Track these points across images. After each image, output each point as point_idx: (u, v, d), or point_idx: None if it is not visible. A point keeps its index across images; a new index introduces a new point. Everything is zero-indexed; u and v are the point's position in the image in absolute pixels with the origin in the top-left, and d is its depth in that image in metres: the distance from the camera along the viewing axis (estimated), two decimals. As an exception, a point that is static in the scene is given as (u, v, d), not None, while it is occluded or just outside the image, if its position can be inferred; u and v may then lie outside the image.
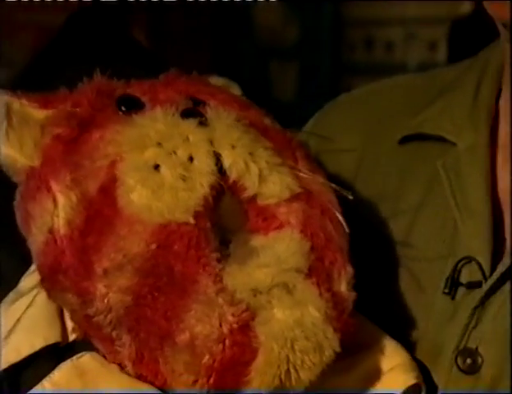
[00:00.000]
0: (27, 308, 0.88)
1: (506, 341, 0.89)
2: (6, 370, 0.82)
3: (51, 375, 0.82)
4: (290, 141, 0.89)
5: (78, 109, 0.85)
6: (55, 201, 0.82)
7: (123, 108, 0.85)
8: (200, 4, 2.98)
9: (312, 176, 0.87)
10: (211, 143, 0.80)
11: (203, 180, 0.78)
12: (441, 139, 0.98)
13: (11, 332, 0.86)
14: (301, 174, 0.86)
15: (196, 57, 2.56)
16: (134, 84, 0.90)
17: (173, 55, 2.67)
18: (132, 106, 0.85)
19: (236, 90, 0.96)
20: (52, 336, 0.83)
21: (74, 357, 0.81)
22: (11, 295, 0.91)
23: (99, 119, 0.85)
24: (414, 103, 1.05)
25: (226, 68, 2.84)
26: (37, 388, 0.82)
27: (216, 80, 0.96)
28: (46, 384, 0.82)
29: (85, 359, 0.81)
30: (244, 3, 2.93)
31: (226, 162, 0.80)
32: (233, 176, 0.79)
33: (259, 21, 2.88)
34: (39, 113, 0.86)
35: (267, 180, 0.82)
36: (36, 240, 0.82)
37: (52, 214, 0.82)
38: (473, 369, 0.88)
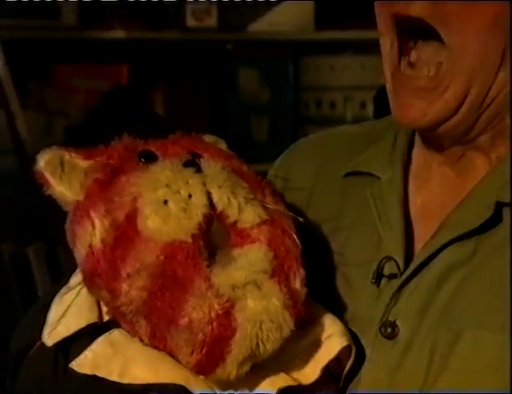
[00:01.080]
0: (74, 298, 0.95)
1: (416, 317, 0.99)
2: (59, 343, 0.92)
3: (91, 346, 0.91)
4: (260, 182, 0.97)
5: (111, 161, 0.94)
6: (93, 225, 0.91)
7: (142, 160, 0.93)
8: (200, 78, 3.01)
9: (275, 207, 0.95)
10: (204, 184, 0.89)
11: (198, 212, 0.87)
12: (370, 175, 1.07)
13: (62, 315, 0.94)
14: (268, 205, 0.93)
15: (198, 117, 2.73)
16: (150, 143, 0.97)
17: (182, 118, 2.79)
18: (149, 158, 0.93)
19: (223, 145, 1.04)
20: (92, 318, 0.92)
21: (107, 333, 0.91)
22: (63, 289, 0.98)
23: (125, 167, 0.92)
24: (353, 148, 1.12)
25: (220, 119, 2.88)
26: (80, 357, 0.92)
27: (208, 138, 1.03)
28: (87, 353, 0.91)
29: (115, 334, 0.90)
30: (231, 73, 2.99)
31: (215, 198, 0.89)
32: (219, 207, 0.89)
33: (242, 86, 2.91)
34: (84, 163, 0.94)
35: (244, 210, 0.91)
36: (80, 252, 0.91)
37: (91, 234, 0.90)
38: (392, 336, 0.96)
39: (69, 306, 0.94)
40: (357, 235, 1.05)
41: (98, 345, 0.90)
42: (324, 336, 0.93)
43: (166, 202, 0.88)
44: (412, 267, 0.97)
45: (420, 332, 0.98)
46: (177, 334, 0.86)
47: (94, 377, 0.88)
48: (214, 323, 0.85)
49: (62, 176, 0.93)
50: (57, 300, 0.95)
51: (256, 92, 2.98)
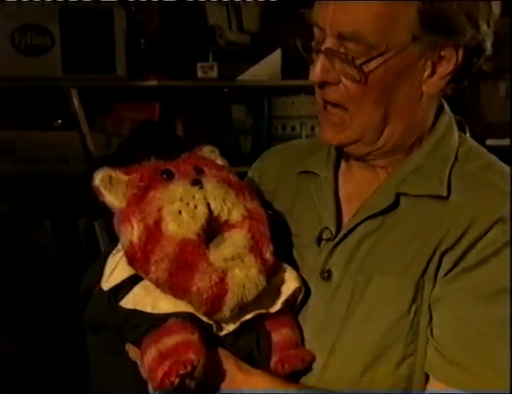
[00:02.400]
0: (121, 257, 1.05)
1: (343, 266, 1.11)
2: (111, 289, 1.05)
3: (132, 290, 1.03)
4: (242, 186, 1.09)
5: (143, 181, 1.03)
6: (132, 227, 1.01)
7: (164, 176, 1.05)
8: (206, 112, 3.20)
9: (253, 205, 1.07)
10: (205, 198, 1.02)
11: (201, 217, 1.00)
12: (314, 173, 1.20)
13: (113, 269, 1.06)
14: (248, 205, 1.06)
15: (204, 137, 2.91)
16: (168, 162, 1.08)
17: (194, 138, 2.94)
18: (168, 175, 1.05)
19: (217, 152, 1.15)
20: (132, 271, 1.03)
21: (141, 281, 1.02)
22: (114, 251, 1.10)
23: (152, 185, 1.03)
24: (303, 155, 1.25)
25: (219, 138, 3.07)
26: (125, 297, 1.03)
27: (208, 147, 1.16)
28: (130, 295, 1.03)
29: (147, 282, 1.01)
30: (227, 108, 3.16)
31: (212, 206, 1.02)
32: (215, 212, 1.02)
33: (234, 116, 3.10)
34: (124, 177, 1.04)
35: (232, 212, 1.04)
36: (123, 245, 1.03)
37: (130, 234, 1.01)
38: (328, 279, 1.12)
39: (117, 263, 1.06)
40: (306, 214, 1.19)
41: (136, 290, 1.04)
42: (284, 280, 1.08)
43: (180, 212, 1.00)
44: (341, 234, 1.12)
45: (346, 276, 1.12)
46: (190, 296, 1.00)
47: (135, 310, 1.02)
48: (214, 288, 0.98)
49: (111, 188, 1.04)
50: (110, 257, 1.09)
51: (243, 120, 3.15)
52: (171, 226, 0.98)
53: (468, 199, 1.08)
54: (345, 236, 1.12)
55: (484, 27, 1.04)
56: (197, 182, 1.02)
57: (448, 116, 1.15)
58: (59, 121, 3.01)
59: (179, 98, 3.17)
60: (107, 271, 1.06)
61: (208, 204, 1.01)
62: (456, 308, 1.06)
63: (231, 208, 1.03)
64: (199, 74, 2.98)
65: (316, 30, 1.06)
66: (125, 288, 1.03)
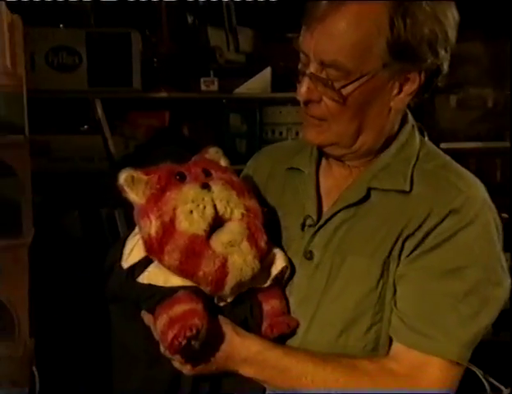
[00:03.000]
0: (138, 239, 1.05)
1: (323, 248, 1.11)
2: (129, 267, 1.05)
3: (147, 268, 1.03)
4: (242, 186, 1.07)
5: (160, 182, 1.02)
6: (151, 223, 1.00)
7: (177, 178, 1.03)
8: (208, 119, 3.21)
9: (251, 203, 1.06)
10: (212, 200, 1.00)
11: (209, 217, 1.00)
12: (299, 170, 1.19)
13: (131, 249, 1.06)
14: (246, 203, 1.04)
15: (207, 141, 2.64)
16: (181, 166, 1.06)
17: (198, 141, 2.90)
18: (181, 177, 1.03)
19: (221, 152, 1.13)
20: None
21: (155, 261, 1.02)
22: (132, 234, 1.09)
23: (168, 186, 1.01)
24: (290, 154, 1.24)
25: (219, 142, 2.97)
26: (141, 275, 1.03)
27: (213, 148, 1.13)
28: (145, 272, 1.03)
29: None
30: (225, 117, 3.15)
31: (218, 206, 1.01)
32: (220, 212, 1.01)
33: (231, 123, 3.14)
34: (145, 178, 1.03)
35: (234, 212, 1.02)
36: (143, 237, 1.02)
37: (149, 228, 1.00)
38: (310, 258, 1.12)
39: (134, 245, 1.06)
40: (292, 204, 1.18)
41: (151, 268, 1.03)
42: (274, 261, 1.09)
43: (191, 212, 0.99)
44: (321, 221, 1.12)
45: (325, 256, 1.11)
46: (197, 279, 1.00)
47: (149, 284, 1.03)
48: (217, 272, 0.99)
49: (133, 187, 1.02)
50: (128, 240, 1.09)
51: (239, 126, 3.17)
52: (183, 224, 0.99)
53: (427, 193, 1.09)
54: (324, 223, 1.13)
55: (442, 53, 1.05)
56: (206, 186, 1.01)
57: (411, 124, 1.15)
58: (85, 126, 3.03)
59: (185, 108, 3.18)
60: (126, 251, 1.06)
61: (215, 205, 1.01)
62: (416, 283, 1.06)
63: (233, 208, 1.02)
64: (202, 87, 3.04)
65: (302, 55, 1.07)
66: (141, 266, 1.03)
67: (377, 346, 1.09)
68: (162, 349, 1.03)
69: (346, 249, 1.10)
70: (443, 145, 3.16)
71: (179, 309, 0.98)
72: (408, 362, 1.05)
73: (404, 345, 1.05)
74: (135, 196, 1.02)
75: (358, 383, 1.04)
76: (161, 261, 1.00)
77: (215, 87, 3.05)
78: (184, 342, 0.96)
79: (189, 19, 3.13)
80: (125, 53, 2.92)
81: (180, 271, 0.99)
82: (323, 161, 1.18)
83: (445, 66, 1.08)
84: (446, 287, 1.05)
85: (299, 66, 1.08)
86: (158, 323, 0.99)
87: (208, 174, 1.04)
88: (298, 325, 1.10)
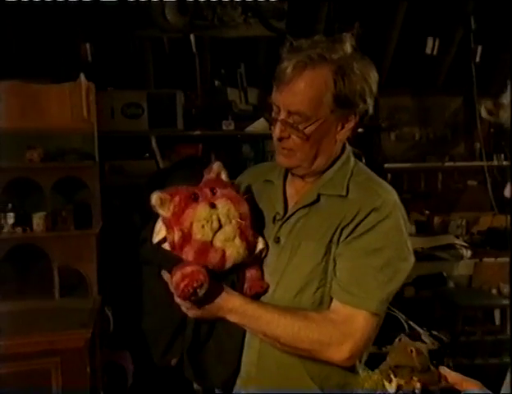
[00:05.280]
0: (162, 224, 1.00)
1: (287, 235, 1.07)
2: (157, 242, 1.01)
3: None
4: (237, 197, 1.02)
5: (180, 205, 0.97)
6: (174, 232, 0.97)
7: (193, 198, 0.99)
8: (229, 150, 3.14)
9: (243, 210, 1.01)
10: (217, 215, 0.97)
11: (215, 229, 0.97)
12: (271, 181, 1.15)
13: (158, 231, 1.02)
14: (240, 210, 1.01)
15: (225, 162, 2.08)
16: (195, 187, 1.01)
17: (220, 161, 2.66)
18: (195, 197, 0.99)
19: (222, 166, 1.06)
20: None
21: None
22: (159, 219, 1.01)
23: (187, 205, 0.97)
24: (267, 170, 1.18)
25: (234, 163, 2.93)
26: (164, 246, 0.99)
27: (217, 163, 1.07)
28: (167, 245, 0.98)
29: None
30: (239, 147, 3.13)
31: (222, 221, 0.98)
32: (222, 223, 0.98)
33: (244, 152, 3.16)
34: (169, 198, 0.98)
35: (232, 221, 0.99)
36: (168, 239, 1.00)
37: (173, 236, 0.98)
38: (278, 242, 1.08)
39: (160, 227, 1.01)
40: (267, 205, 1.13)
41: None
42: (256, 244, 1.06)
43: (203, 226, 0.96)
44: (286, 217, 1.10)
45: (287, 241, 1.08)
46: (205, 265, 0.98)
47: (170, 252, 0.99)
48: (218, 260, 0.98)
49: (161, 206, 0.98)
50: (157, 222, 1.04)
51: (248, 153, 3.20)
52: (197, 235, 0.97)
53: (357, 197, 1.07)
54: (288, 218, 1.10)
55: (369, 101, 1.04)
56: (213, 205, 0.98)
57: (348, 149, 1.12)
58: (146, 154, 3.08)
59: (212, 141, 3.20)
60: (155, 231, 1.03)
61: (220, 220, 0.98)
62: (349, 259, 1.05)
63: (232, 218, 0.99)
64: (223, 127, 3.09)
65: (274, 107, 1.05)
66: (164, 242, 1.01)
67: (322, 303, 1.07)
68: (175, 298, 1.02)
69: (302, 236, 1.08)
70: (387, 165, 3.43)
71: (188, 269, 0.96)
72: (343, 314, 1.03)
73: (340, 302, 1.04)
74: (163, 212, 0.99)
75: (308, 328, 1.02)
76: (180, 255, 0.99)
77: (232, 127, 3.10)
78: (191, 291, 0.94)
79: (216, 83, 3.23)
80: (172, 106, 3.02)
81: (193, 261, 0.98)
82: (289, 176, 1.15)
83: (371, 109, 1.06)
84: (369, 262, 1.03)
85: (273, 114, 1.06)
86: (174, 278, 0.97)
87: (213, 192, 1.01)
88: (268, 287, 1.08)
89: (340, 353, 1.00)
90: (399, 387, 0.69)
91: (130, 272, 1.26)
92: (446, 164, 3.38)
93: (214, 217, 0.95)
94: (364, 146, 3.17)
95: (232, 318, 1.04)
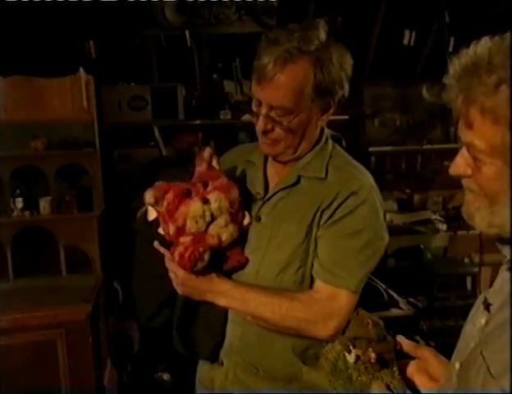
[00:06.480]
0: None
1: (267, 215, 1.06)
2: (150, 222, 0.99)
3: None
4: (228, 185, 0.99)
5: (173, 202, 0.94)
6: (168, 226, 0.95)
7: (186, 193, 0.96)
8: (226, 138, 3.07)
9: (233, 196, 0.99)
10: (210, 209, 0.96)
11: (207, 222, 0.97)
12: (252, 162, 1.12)
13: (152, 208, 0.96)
14: (230, 198, 0.99)
15: (224, 149, 1.63)
16: (188, 183, 0.99)
17: (218, 150, 2.32)
18: (188, 193, 0.97)
19: (213, 152, 1.03)
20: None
21: None
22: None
23: (180, 201, 0.95)
24: (248, 151, 1.15)
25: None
26: (159, 228, 0.96)
27: (208, 149, 1.04)
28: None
29: None
30: (235, 134, 3.06)
31: (214, 213, 0.97)
32: (215, 216, 0.97)
33: (240, 139, 3.08)
34: (162, 195, 0.95)
35: (223, 212, 0.98)
36: (164, 232, 0.96)
37: (168, 229, 0.96)
38: (259, 221, 1.07)
39: (151, 209, 0.98)
40: (249, 185, 1.11)
41: None
42: (243, 219, 1.04)
43: (196, 221, 0.95)
44: (266, 197, 1.09)
45: (268, 221, 1.07)
46: (201, 245, 0.97)
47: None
48: (215, 242, 0.97)
49: (155, 202, 0.96)
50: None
51: (245, 139, 3.08)
52: (191, 228, 0.96)
53: (336, 180, 1.05)
54: (268, 199, 1.08)
55: (346, 87, 1.02)
56: (205, 201, 0.96)
57: (326, 133, 1.09)
58: (151, 143, 3.09)
59: (211, 130, 3.18)
60: (148, 207, 0.99)
61: (212, 213, 0.97)
62: (330, 241, 1.03)
63: (223, 211, 0.98)
64: (221, 116, 3.08)
65: (254, 100, 1.02)
66: (158, 221, 0.98)
67: (303, 282, 1.05)
68: (169, 272, 1.00)
69: (283, 216, 1.05)
70: (371, 149, 3.47)
71: (188, 240, 0.96)
72: (326, 293, 1.02)
73: (323, 282, 1.03)
74: (158, 208, 0.97)
75: (294, 308, 1.00)
76: (177, 243, 0.97)
77: (229, 116, 3.09)
78: (198, 256, 0.94)
79: (214, 76, 3.22)
80: (174, 98, 3.01)
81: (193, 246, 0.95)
82: (269, 157, 1.12)
83: (347, 93, 1.03)
84: (349, 243, 1.02)
85: (253, 107, 1.02)
86: (176, 252, 0.95)
87: (206, 185, 0.98)
88: (247, 262, 1.04)
89: (325, 330, 0.98)
90: (358, 358, 0.70)
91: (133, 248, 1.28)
92: (425, 147, 3.40)
93: (207, 212, 0.94)
94: (350, 131, 3.23)
95: (221, 301, 1.01)
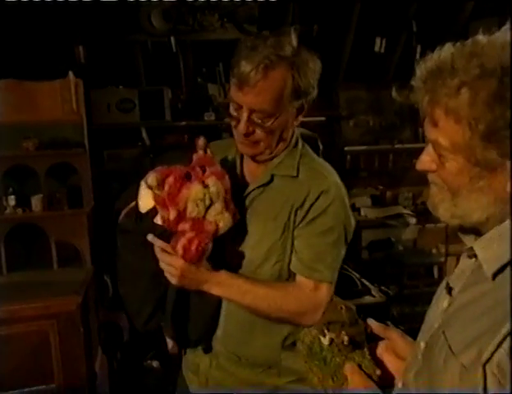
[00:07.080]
0: (150, 192, 0.95)
1: (249, 207, 1.04)
2: (137, 214, 0.97)
3: (155, 218, 0.92)
4: (222, 172, 0.98)
5: (175, 185, 0.93)
6: (168, 210, 0.93)
7: (186, 178, 0.94)
8: (208, 135, 2.78)
9: (226, 181, 0.99)
10: (209, 193, 0.94)
11: (206, 206, 0.95)
12: (228, 160, 1.11)
13: (146, 198, 0.96)
14: (224, 185, 0.98)
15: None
16: (188, 167, 0.96)
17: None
18: (188, 177, 0.95)
19: (206, 142, 1.01)
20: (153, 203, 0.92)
21: None
22: (142, 186, 0.96)
23: (181, 184, 0.93)
24: (226, 147, 1.13)
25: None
26: (156, 218, 0.93)
27: (201, 138, 1.02)
28: (158, 217, 0.92)
29: None
30: (219, 132, 3.00)
31: (213, 198, 0.96)
32: (213, 200, 0.96)
33: (223, 137, 2.92)
34: (163, 178, 0.94)
35: (218, 200, 0.96)
36: (163, 217, 0.92)
37: (167, 214, 0.94)
38: (248, 211, 1.05)
39: (147, 195, 0.96)
40: (232, 179, 1.05)
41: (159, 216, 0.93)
42: (235, 212, 1.02)
43: (197, 205, 0.94)
44: (245, 194, 1.08)
45: (253, 213, 1.07)
46: (204, 235, 0.96)
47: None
48: (212, 229, 0.96)
49: (157, 185, 0.95)
50: (141, 190, 0.97)
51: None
52: (191, 212, 0.94)
53: (306, 178, 1.05)
54: (247, 195, 1.08)
55: (316, 88, 1.03)
56: (205, 185, 0.95)
57: (296, 133, 1.09)
58: (139, 143, 3.14)
59: (196, 131, 3.01)
60: (140, 199, 0.96)
61: (211, 198, 0.96)
62: (306, 239, 1.04)
63: (220, 196, 0.97)
64: (205, 118, 3.13)
65: (232, 104, 1.00)
66: (153, 211, 0.96)
67: (280, 275, 1.06)
68: (160, 264, 0.98)
69: (259, 214, 1.05)
70: (346, 148, 3.53)
71: (190, 233, 0.95)
72: (309, 287, 1.04)
73: (305, 278, 1.04)
74: (158, 192, 0.95)
75: (287, 301, 1.03)
76: (174, 230, 0.95)
77: (213, 118, 3.14)
78: (203, 247, 0.94)
79: (198, 80, 3.26)
80: (161, 101, 3.04)
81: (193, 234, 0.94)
82: (244, 155, 1.11)
83: (315, 94, 1.04)
84: (324, 240, 1.04)
85: (231, 111, 1.01)
86: (179, 245, 0.93)
87: (204, 170, 0.97)
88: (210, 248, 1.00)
89: (312, 320, 0.97)
90: (331, 341, 0.71)
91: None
92: (396, 146, 3.51)
93: (207, 196, 0.93)
94: (327, 132, 3.29)
95: (217, 291, 1.01)
